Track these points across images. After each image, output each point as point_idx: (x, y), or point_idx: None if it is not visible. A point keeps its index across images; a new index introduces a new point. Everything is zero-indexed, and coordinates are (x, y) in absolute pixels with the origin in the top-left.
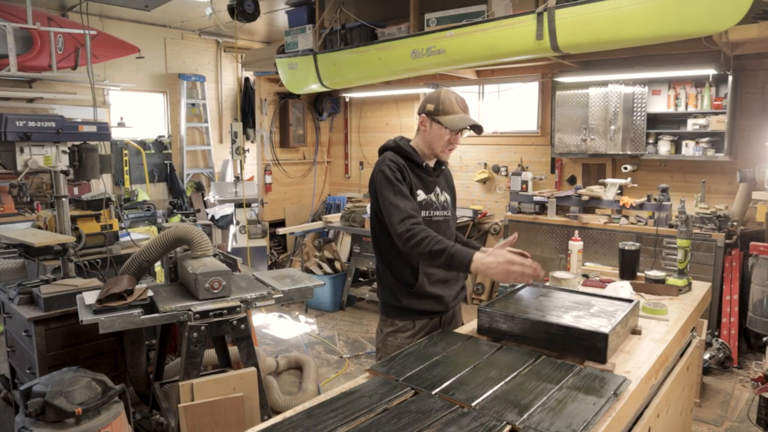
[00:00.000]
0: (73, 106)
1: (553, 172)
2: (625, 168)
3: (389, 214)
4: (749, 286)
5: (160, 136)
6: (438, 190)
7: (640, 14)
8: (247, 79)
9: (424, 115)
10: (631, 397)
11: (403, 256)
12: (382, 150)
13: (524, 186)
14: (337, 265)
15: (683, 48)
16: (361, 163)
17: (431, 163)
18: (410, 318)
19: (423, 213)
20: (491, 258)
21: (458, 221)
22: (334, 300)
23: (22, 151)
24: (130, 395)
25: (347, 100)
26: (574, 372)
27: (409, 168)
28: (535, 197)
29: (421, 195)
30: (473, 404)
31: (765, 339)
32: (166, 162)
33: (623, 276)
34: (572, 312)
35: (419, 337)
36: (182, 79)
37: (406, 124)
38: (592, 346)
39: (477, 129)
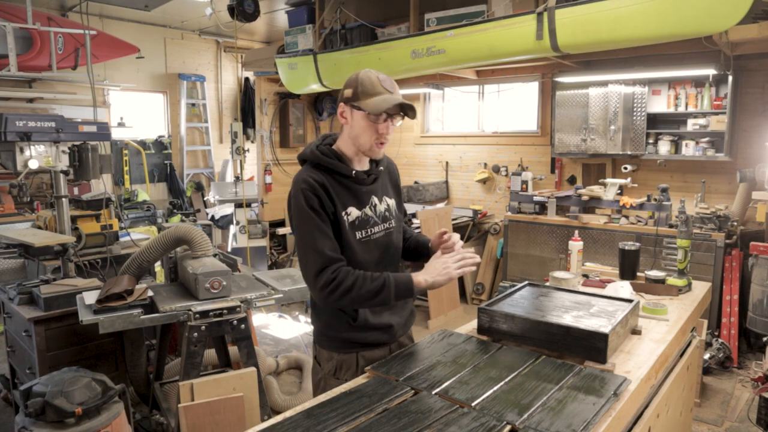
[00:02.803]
0: (73, 106)
1: (553, 172)
2: (625, 168)
3: (304, 258)
4: (749, 286)
5: (160, 136)
6: (375, 200)
7: (640, 14)
8: (247, 79)
9: (342, 103)
10: (631, 397)
11: None
12: (301, 160)
13: (524, 186)
14: None
15: (683, 48)
16: None
17: (363, 166)
18: (353, 350)
19: (358, 234)
20: (434, 264)
21: (458, 221)
22: None
23: (22, 151)
24: (130, 395)
25: None
26: (574, 372)
27: (333, 183)
28: (535, 197)
29: (353, 213)
30: (473, 404)
31: (765, 339)
32: (166, 162)
33: (623, 276)
34: (572, 312)
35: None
36: (182, 79)
37: (406, 124)
38: (592, 346)
39: (407, 110)
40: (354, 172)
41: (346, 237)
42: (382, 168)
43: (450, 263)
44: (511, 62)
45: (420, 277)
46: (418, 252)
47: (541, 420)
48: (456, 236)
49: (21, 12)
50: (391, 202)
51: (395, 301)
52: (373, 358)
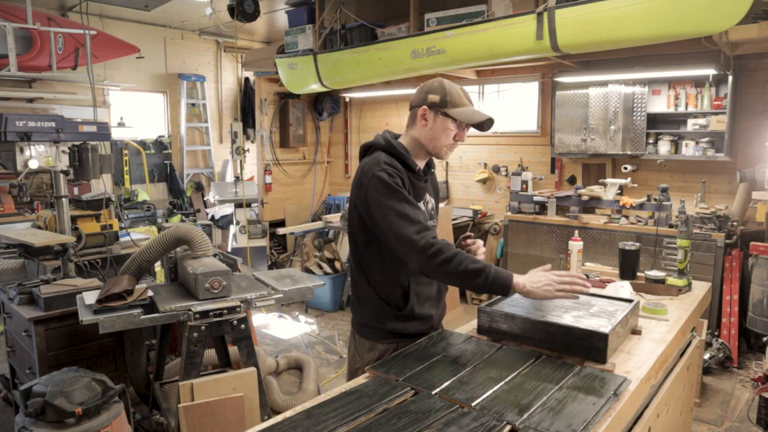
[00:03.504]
0: (73, 106)
1: (553, 172)
2: (625, 168)
3: (397, 227)
4: (749, 286)
5: (160, 136)
6: (427, 197)
7: (640, 14)
8: (247, 79)
9: (425, 107)
10: (631, 397)
11: (392, 274)
12: (367, 148)
13: (524, 186)
14: (337, 265)
15: (683, 48)
16: None
17: (421, 166)
18: (394, 341)
19: None
20: (538, 276)
21: (458, 221)
22: (334, 300)
23: (22, 151)
24: (130, 395)
25: (347, 100)
26: (574, 372)
27: (403, 172)
28: (535, 197)
29: None
30: (473, 404)
31: (765, 339)
32: (166, 162)
33: (623, 276)
34: (572, 312)
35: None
36: (182, 79)
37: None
38: (592, 346)
39: (489, 123)
40: (417, 168)
41: None
42: (433, 170)
43: (555, 282)
44: (511, 62)
45: (520, 280)
46: None
47: (541, 420)
48: (479, 242)
49: (21, 12)
50: (434, 204)
51: (486, 292)
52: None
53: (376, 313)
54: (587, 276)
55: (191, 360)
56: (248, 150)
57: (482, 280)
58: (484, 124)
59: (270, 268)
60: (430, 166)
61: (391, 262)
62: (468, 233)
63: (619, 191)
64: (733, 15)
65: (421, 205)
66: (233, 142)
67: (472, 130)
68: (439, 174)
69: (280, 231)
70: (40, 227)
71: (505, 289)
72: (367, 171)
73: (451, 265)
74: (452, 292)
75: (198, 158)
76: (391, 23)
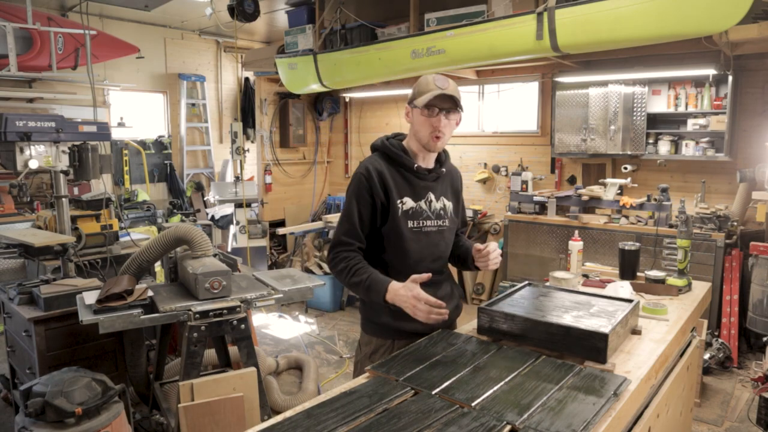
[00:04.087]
0: (73, 106)
1: (553, 172)
2: (625, 168)
3: (338, 222)
4: (749, 286)
5: (160, 136)
6: (432, 196)
7: (640, 14)
8: (247, 79)
9: (407, 105)
10: (631, 397)
11: (388, 266)
12: (372, 149)
13: (524, 186)
14: None
15: (683, 48)
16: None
17: (428, 165)
18: (390, 337)
19: (410, 224)
20: (402, 291)
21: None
22: (334, 300)
23: (22, 151)
24: (130, 395)
25: (347, 100)
26: (574, 372)
27: (394, 173)
28: (535, 197)
29: (407, 203)
30: (473, 404)
31: (765, 339)
32: (166, 162)
33: (623, 276)
34: (572, 312)
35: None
36: (182, 79)
37: (407, 124)
38: (592, 346)
39: (449, 101)
40: (416, 166)
41: (398, 223)
42: (444, 170)
43: (420, 307)
44: (511, 62)
45: (391, 294)
46: (463, 259)
47: (541, 420)
48: (493, 245)
49: (21, 12)
50: (449, 204)
51: (369, 300)
52: (404, 347)
53: (373, 307)
54: (587, 276)
55: (191, 360)
56: (248, 150)
57: (361, 291)
58: (446, 101)
59: (270, 268)
60: (441, 164)
61: (381, 256)
62: (477, 246)
63: (619, 191)
64: (733, 15)
65: (422, 204)
66: (233, 142)
67: (469, 129)
68: None
69: (280, 231)
70: (40, 227)
71: (379, 299)
72: (357, 168)
73: (341, 275)
74: None
75: (198, 158)
76: (391, 23)
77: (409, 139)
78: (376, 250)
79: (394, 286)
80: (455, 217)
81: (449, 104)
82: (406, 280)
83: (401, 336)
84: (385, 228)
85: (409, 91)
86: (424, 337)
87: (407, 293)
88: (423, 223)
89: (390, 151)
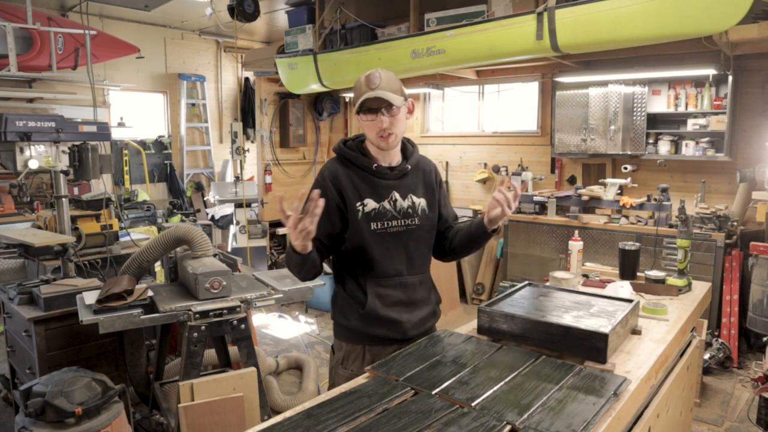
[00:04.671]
0: (73, 106)
1: (553, 172)
2: (625, 168)
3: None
4: (749, 286)
5: (160, 136)
6: (397, 195)
7: (640, 14)
8: (247, 79)
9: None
10: (631, 397)
11: (352, 272)
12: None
13: (524, 186)
14: None
15: (683, 48)
16: None
17: (391, 162)
18: (361, 343)
19: (372, 225)
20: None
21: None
22: None
23: (22, 151)
24: (130, 395)
25: (347, 100)
26: (574, 372)
27: (352, 175)
28: (535, 197)
29: (369, 204)
30: (473, 404)
31: (765, 339)
32: (166, 162)
33: (623, 276)
34: (572, 312)
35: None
36: (182, 79)
37: (410, 123)
38: (592, 346)
39: (371, 103)
40: (375, 166)
41: (359, 226)
42: (409, 166)
43: (290, 222)
44: (511, 62)
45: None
46: (475, 234)
47: (541, 420)
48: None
49: (21, 12)
50: (419, 201)
51: (297, 264)
52: (381, 354)
53: (343, 310)
54: (587, 276)
55: (191, 360)
56: (248, 150)
57: (293, 262)
58: (373, 102)
59: (270, 268)
60: (408, 160)
61: (349, 260)
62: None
63: (619, 191)
64: (733, 15)
65: (385, 204)
66: (233, 142)
67: (469, 129)
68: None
69: (280, 231)
70: (40, 227)
71: (291, 251)
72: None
73: (289, 268)
74: (452, 293)
75: (198, 158)
76: (391, 23)
77: (368, 140)
78: (344, 257)
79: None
80: (431, 213)
81: (384, 103)
82: (373, 285)
83: (372, 342)
84: (347, 233)
85: (409, 91)
86: (424, 337)
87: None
88: (388, 223)
89: (347, 153)
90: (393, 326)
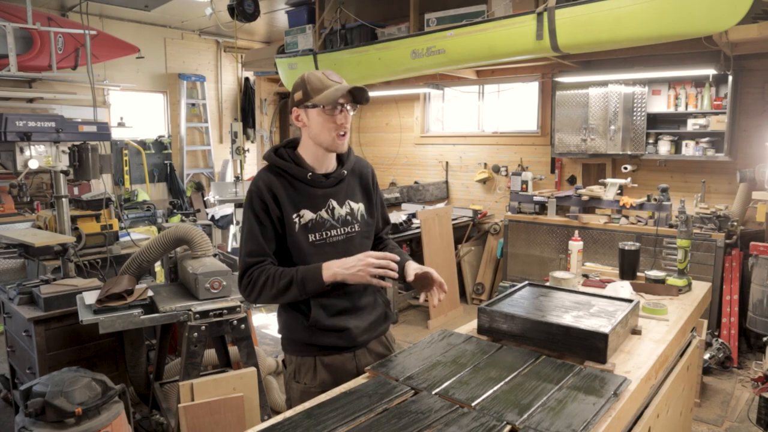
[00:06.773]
0: (73, 106)
1: (553, 172)
2: (625, 168)
3: (240, 251)
4: (749, 286)
5: (160, 136)
6: (334, 203)
7: (640, 14)
8: (247, 79)
9: (295, 108)
10: (631, 397)
11: None
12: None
13: (524, 186)
14: None
15: (683, 48)
16: None
17: (328, 168)
18: (310, 354)
19: (311, 237)
20: (344, 264)
21: (458, 221)
22: None
23: (22, 151)
24: (130, 395)
25: None
26: (574, 372)
27: (286, 185)
28: (535, 197)
29: (306, 215)
30: (473, 404)
31: (765, 339)
32: (166, 162)
33: (623, 276)
34: (572, 312)
35: (329, 379)
36: (182, 79)
37: (406, 124)
38: (592, 346)
39: (358, 95)
40: (309, 174)
41: (296, 239)
42: (345, 171)
43: (372, 265)
44: (511, 62)
45: (331, 270)
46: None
47: (541, 420)
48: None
49: (21, 12)
50: (357, 206)
51: (308, 295)
52: (333, 364)
53: (287, 324)
54: (587, 276)
55: (191, 360)
56: (248, 150)
57: (296, 289)
58: (355, 96)
59: None
60: (344, 165)
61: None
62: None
63: (619, 191)
64: (733, 15)
65: (323, 213)
66: (233, 142)
67: (469, 129)
68: (439, 174)
69: None
70: (40, 227)
71: (319, 285)
72: (249, 186)
73: (266, 292)
74: (452, 293)
75: (198, 158)
76: (391, 23)
77: (303, 146)
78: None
79: (328, 263)
80: (369, 218)
81: (365, 95)
82: (315, 296)
83: (322, 352)
84: (288, 244)
85: (409, 92)
86: (424, 338)
87: (356, 262)
88: (327, 233)
89: (277, 162)
90: (341, 334)
